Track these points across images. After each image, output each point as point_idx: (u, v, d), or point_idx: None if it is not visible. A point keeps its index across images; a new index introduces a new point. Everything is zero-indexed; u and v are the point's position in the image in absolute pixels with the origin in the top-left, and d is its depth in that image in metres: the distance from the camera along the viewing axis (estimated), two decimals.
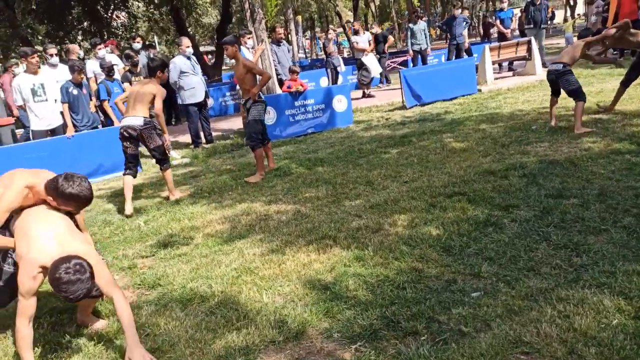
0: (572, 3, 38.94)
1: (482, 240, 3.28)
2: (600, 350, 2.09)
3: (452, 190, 4.30)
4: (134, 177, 5.34)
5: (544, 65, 11.60)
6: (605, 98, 7.30)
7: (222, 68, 20.98)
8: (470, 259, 3.05)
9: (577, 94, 5.70)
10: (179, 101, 8.20)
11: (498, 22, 12.85)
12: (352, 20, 30.83)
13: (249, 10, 8.63)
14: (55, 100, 6.81)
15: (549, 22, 15.78)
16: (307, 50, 41.29)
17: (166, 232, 4.32)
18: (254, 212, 4.53)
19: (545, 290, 2.59)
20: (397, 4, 39.55)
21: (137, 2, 22.25)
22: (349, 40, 13.64)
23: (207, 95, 8.37)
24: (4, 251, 2.71)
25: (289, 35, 26.98)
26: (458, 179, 4.58)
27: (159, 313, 2.93)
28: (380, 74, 12.27)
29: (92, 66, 7.96)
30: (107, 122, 7.68)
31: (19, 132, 8.45)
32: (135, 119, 5.11)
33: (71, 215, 2.81)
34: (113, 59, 8.36)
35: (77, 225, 2.88)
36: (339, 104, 8.54)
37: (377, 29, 12.83)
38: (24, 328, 2.39)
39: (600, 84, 8.60)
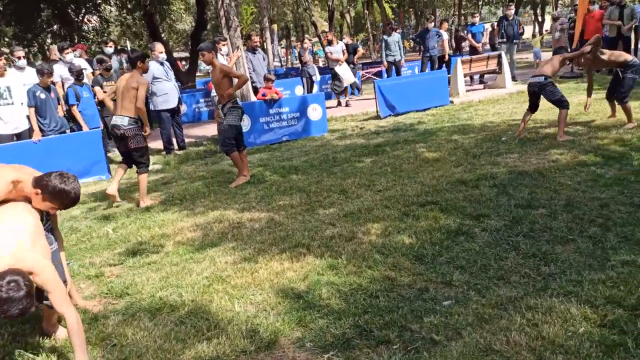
0: (540, 19, 40.29)
1: (454, 249, 3.32)
2: (567, 358, 2.13)
3: (425, 199, 4.35)
4: (128, 167, 5.44)
5: (513, 78, 11.94)
6: (571, 111, 7.42)
7: (196, 74, 20.79)
8: (442, 267, 3.08)
9: (561, 103, 5.96)
10: (152, 107, 8.07)
11: (470, 36, 13.15)
12: (327, 30, 31.09)
13: (224, 18, 8.59)
14: (22, 104, 6.61)
15: (520, 37, 16.26)
16: (282, 59, 41.37)
17: (135, 240, 4.22)
18: (227, 220, 4.47)
19: (515, 298, 2.64)
20: (372, 16, 40.11)
21: (109, 7, 21.89)
22: (324, 49, 13.70)
23: (180, 102, 8.26)
24: None
25: (265, 44, 26.99)
26: (431, 188, 4.63)
27: (126, 323, 2.84)
28: (352, 84, 12.37)
29: (59, 70, 7.75)
30: (76, 127, 7.49)
31: None
32: (121, 118, 5.07)
33: (47, 215, 2.75)
34: (81, 63, 8.18)
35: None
36: (314, 112, 8.56)
37: (347, 40, 12.93)
38: None
39: (567, 98, 8.84)
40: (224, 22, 8.65)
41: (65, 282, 2.72)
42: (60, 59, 8.07)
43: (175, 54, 30.72)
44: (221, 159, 7.42)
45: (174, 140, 8.27)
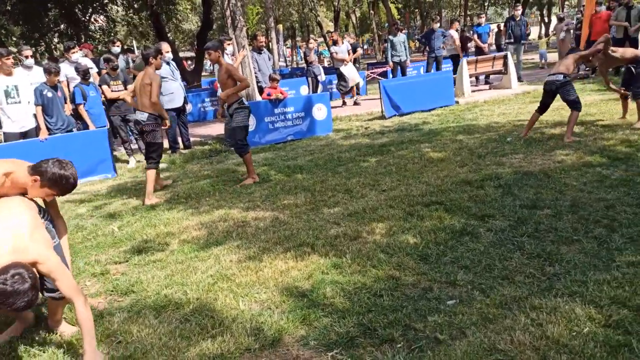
0: (546, 20, 40.12)
1: (458, 249, 3.31)
2: (571, 358, 2.13)
3: (430, 199, 4.34)
4: (155, 169, 5.55)
5: (519, 79, 11.90)
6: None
7: (202, 74, 20.86)
8: (447, 267, 3.08)
9: (575, 104, 5.95)
10: None
11: (475, 36, 13.12)
12: (332, 30, 31.11)
13: (230, 18, 8.62)
14: (29, 102, 6.65)
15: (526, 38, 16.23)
16: (287, 59, 41.43)
17: (141, 238, 4.24)
18: (232, 219, 4.48)
19: (519, 298, 2.63)
20: (378, 16, 40.10)
21: (116, 6, 21.98)
22: (329, 49, 13.69)
23: (185, 101, 8.30)
24: None
25: (270, 44, 27.05)
26: (435, 188, 4.63)
27: (131, 320, 2.86)
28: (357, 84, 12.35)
29: (65, 70, 7.80)
30: (83, 126, 7.54)
31: None
32: (141, 114, 5.36)
33: (46, 204, 2.77)
34: (87, 63, 8.22)
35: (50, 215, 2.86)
36: (319, 112, 8.57)
37: (348, 39, 12.93)
38: None
39: None
40: (230, 22, 8.68)
41: None
42: (66, 59, 8.12)
43: (181, 54, 30.81)
44: (226, 157, 7.45)
45: (180, 139, 8.30)
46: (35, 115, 6.71)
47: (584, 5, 12.48)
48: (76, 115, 7.45)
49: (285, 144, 8.12)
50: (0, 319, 2.89)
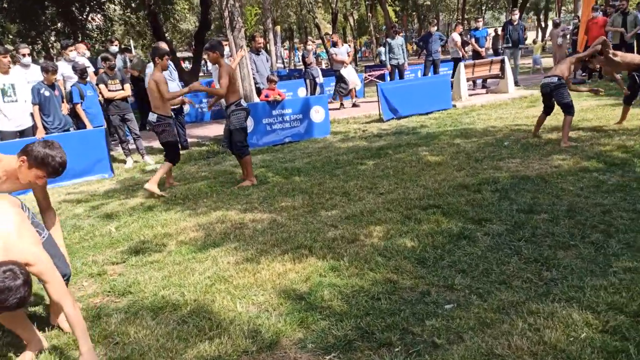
0: (543, 25, 40.32)
1: (456, 252, 3.32)
2: None
3: (427, 202, 4.35)
4: (171, 163, 5.76)
5: (516, 83, 11.95)
6: (574, 117, 7.52)
7: (199, 75, 20.82)
8: (444, 271, 3.09)
9: (568, 108, 5.98)
10: None
11: (473, 40, 13.17)
12: (330, 32, 31.17)
13: (228, 18, 8.61)
14: (26, 101, 6.63)
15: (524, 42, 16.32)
16: (285, 60, 41.44)
17: (138, 239, 4.23)
18: (229, 220, 4.48)
19: (517, 303, 2.64)
20: (375, 19, 40.17)
21: (113, 5, 21.93)
22: (327, 51, 13.68)
23: (183, 101, 8.27)
24: None
25: (268, 45, 27.05)
26: (433, 191, 4.64)
27: (129, 321, 2.85)
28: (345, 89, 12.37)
29: (62, 68, 7.77)
30: (79, 125, 7.51)
31: None
32: (151, 115, 5.57)
33: (37, 195, 2.77)
34: (84, 62, 8.20)
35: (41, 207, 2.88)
36: (317, 114, 8.57)
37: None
38: None
39: None
40: (228, 23, 8.67)
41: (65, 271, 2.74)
42: (64, 57, 8.09)
43: (179, 54, 30.77)
44: (224, 159, 7.44)
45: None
46: (32, 114, 6.68)
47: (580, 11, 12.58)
48: (73, 114, 7.42)
49: (282, 145, 8.12)
50: (7, 340, 2.85)
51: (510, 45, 12.29)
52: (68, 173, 6.61)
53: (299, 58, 30.43)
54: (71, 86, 7.40)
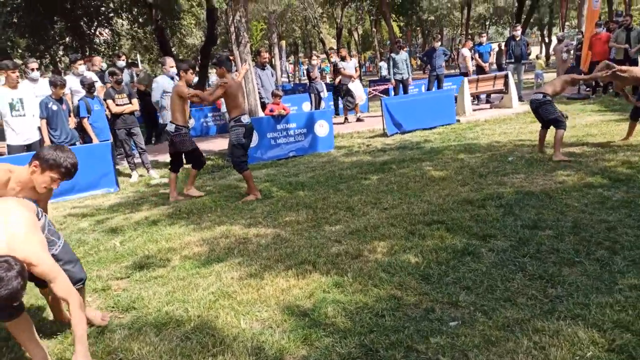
0: (547, 40, 40.51)
1: (460, 269, 3.31)
2: None
3: (431, 218, 4.35)
4: (176, 172, 6.15)
5: (520, 99, 11.98)
6: (578, 133, 7.55)
7: (205, 89, 20.99)
8: (449, 287, 3.07)
9: (557, 123, 5.98)
10: (160, 120, 8.17)
11: (477, 55, 13.24)
12: (335, 47, 31.42)
13: (234, 34, 8.72)
14: (33, 115, 6.70)
15: (527, 57, 16.40)
16: (290, 75, 41.76)
17: (142, 253, 4.24)
18: (233, 235, 4.49)
19: (522, 320, 2.63)
20: (380, 34, 40.51)
21: (121, 20, 22.25)
22: (331, 65, 13.73)
23: (189, 116, 8.34)
24: None
25: (273, 59, 27.27)
26: (437, 207, 4.64)
27: (132, 337, 2.85)
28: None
29: (70, 82, 7.87)
30: (86, 139, 7.58)
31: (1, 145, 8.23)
32: (170, 125, 5.86)
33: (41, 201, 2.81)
34: (92, 76, 8.30)
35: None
36: (321, 129, 8.62)
37: (336, 59, 13.01)
38: None
39: (573, 119, 8.89)
40: (234, 38, 8.77)
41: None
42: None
43: None
44: (228, 173, 7.46)
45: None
46: (39, 128, 6.75)
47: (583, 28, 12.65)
48: (80, 128, 7.49)
49: (287, 160, 8.15)
50: (11, 356, 2.85)
51: (512, 60, 12.36)
52: (74, 187, 6.72)
53: (303, 72, 30.62)
54: (78, 100, 7.48)
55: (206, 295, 3.29)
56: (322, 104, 12.33)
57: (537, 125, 6.47)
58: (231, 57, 8.48)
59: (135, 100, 7.87)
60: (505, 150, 6.93)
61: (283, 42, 35.57)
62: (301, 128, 8.45)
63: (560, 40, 14.25)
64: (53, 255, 2.58)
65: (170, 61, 8.11)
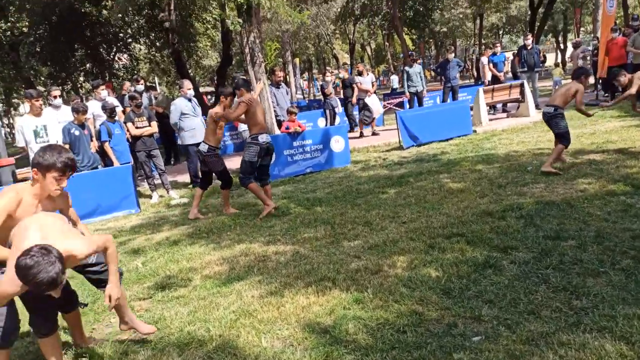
0: (562, 47, 40.16)
1: (482, 282, 3.27)
2: None
3: (451, 231, 4.32)
4: (203, 189, 6.36)
5: (537, 107, 11.86)
6: (598, 139, 7.44)
7: None
8: (471, 301, 3.04)
9: (562, 138, 5.97)
10: (179, 141, 8.31)
11: (491, 65, 13.20)
12: (348, 62, 31.63)
13: (249, 54, 8.88)
14: (57, 141, 6.89)
15: (541, 65, 16.26)
16: (304, 91, 42.13)
17: (164, 274, 4.30)
18: (253, 253, 4.52)
19: (546, 334, 2.58)
20: (393, 47, 40.69)
21: (139, 45, 22.82)
22: (342, 82, 13.83)
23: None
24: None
25: (287, 77, 27.57)
26: (456, 219, 4.61)
27: (155, 358, 2.88)
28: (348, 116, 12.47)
29: (93, 107, 8.09)
30: (107, 162, 7.75)
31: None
32: (203, 145, 6.10)
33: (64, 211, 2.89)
34: (113, 101, 8.52)
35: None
36: (337, 144, 8.65)
37: (344, 74, 13.06)
38: None
39: (592, 125, 8.78)
40: (249, 59, 8.94)
41: None
42: (95, 96, 8.41)
43: (201, 89, 31.62)
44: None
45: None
46: None
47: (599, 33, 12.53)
48: (101, 152, 7.67)
49: (304, 176, 8.19)
50: None
51: (525, 69, 12.28)
52: (96, 210, 6.85)
53: (317, 89, 30.88)
54: (100, 125, 7.68)
55: (227, 314, 3.31)
56: (337, 119, 12.39)
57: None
58: (245, 77, 8.64)
59: (154, 123, 8.03)
60: (523, 160, 6.86)
61: (297, 60, 35.96)
62: (317, 144, 8.50)
63: (576, 47, 14.13)
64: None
65: (187, 83, 8.26)
